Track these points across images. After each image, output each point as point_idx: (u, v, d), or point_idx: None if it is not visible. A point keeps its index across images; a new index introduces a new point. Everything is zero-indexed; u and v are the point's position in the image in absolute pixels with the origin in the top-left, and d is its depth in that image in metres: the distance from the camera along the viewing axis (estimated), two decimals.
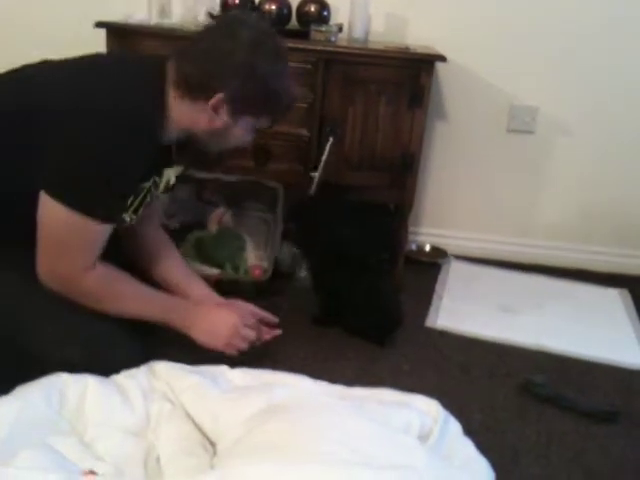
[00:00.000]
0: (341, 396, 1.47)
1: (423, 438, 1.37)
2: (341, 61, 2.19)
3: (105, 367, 1.48)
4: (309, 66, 2.18)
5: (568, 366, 1.98)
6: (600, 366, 1.99)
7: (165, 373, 1.51)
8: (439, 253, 2.70)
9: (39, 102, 1.45)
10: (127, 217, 1.58)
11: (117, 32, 2.17)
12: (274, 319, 1.77)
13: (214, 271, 2.09)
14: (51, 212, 1.43)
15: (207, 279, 1.95)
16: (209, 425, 1.39)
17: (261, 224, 2.30)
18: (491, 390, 1.82)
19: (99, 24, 2.15)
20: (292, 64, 2.14)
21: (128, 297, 1.57)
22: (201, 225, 2.22)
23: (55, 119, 1.42)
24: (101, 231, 1.49)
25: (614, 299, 2.47)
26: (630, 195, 2.69)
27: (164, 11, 2.28)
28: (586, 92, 2.56)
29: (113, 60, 1.70)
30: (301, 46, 2.18)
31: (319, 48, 2.18)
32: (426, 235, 2.77)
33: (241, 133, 1.59)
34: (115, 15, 2.23)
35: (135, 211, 1.59)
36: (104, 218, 1.47)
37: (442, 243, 2.74)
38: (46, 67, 1.55)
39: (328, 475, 1.06)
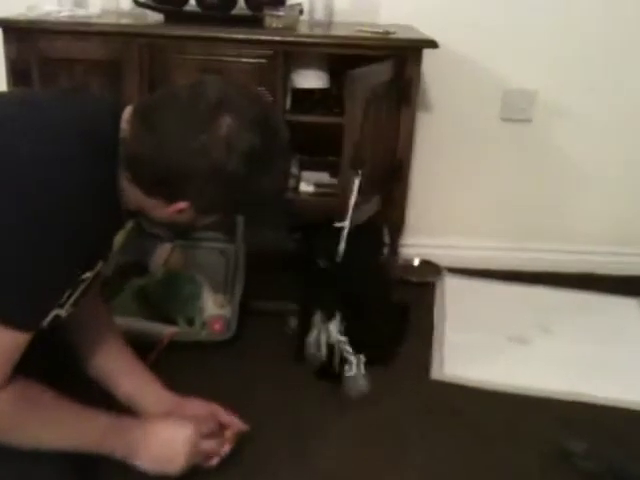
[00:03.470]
0: None
1: None
2: (305, 53, 1.76)
3: None
4: (264, 61, 1.76)
5: (607, 417, 1.62)
6: None
7: None
8: (431, 268, 2.32)
9: None
10: (62, 312, 1.15)
11: (16, 30, 1.70)
12: (244, 426, 1.37)
13: (162, 329, 1.67)
14: None
15: (154, 342, 1.56)
16: None
17: (218, 257, 1.88)
18: (517, 462, 1.45)
19: None
20: (243, 60, 1.76)
21: (48, 425, 1.14)
22: (142, 267, 1.78)
23: None
24: (19, 342, 1.06)
25: (634, 311, 2.13)
26: None
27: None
28: (589, 73, 2.22)
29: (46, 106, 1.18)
30: (254, 37, 1.76)
31: (277, 38, 1.75)
32: (413, 246, 2.39)
33: (208, 222, 1.23)
34: (18, 7, 1.77)
35: (74, 304, 1.17)
36: (25, 326, 1.06)
37: (432, 254, 2.37)
38: None
39: None
